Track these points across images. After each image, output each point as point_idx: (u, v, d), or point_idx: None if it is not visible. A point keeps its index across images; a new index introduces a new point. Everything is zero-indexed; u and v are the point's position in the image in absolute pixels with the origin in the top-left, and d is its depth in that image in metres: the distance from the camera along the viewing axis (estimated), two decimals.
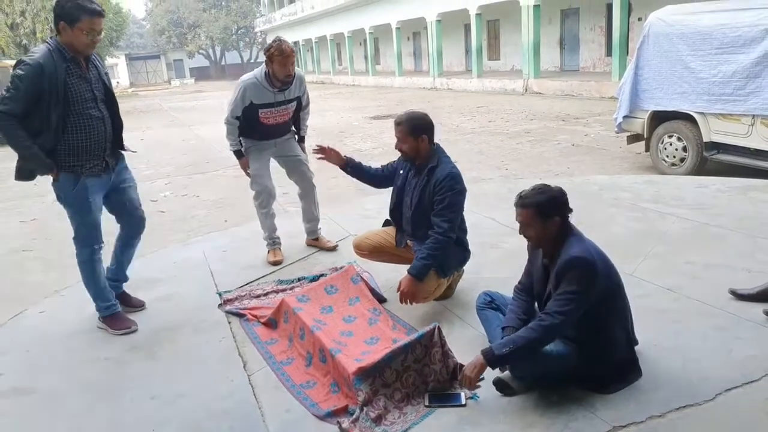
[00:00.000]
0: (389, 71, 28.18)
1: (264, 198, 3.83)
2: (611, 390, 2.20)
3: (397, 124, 2.92)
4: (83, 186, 2.87)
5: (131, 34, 52.56)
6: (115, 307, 3.12)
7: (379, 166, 3.29)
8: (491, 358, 2.12)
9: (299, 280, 3.52)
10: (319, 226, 4.11)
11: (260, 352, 2.75)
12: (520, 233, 2.29)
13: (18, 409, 2.45)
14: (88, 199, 2.89)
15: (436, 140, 3.01)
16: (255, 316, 3.07)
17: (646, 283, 3.12)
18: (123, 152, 3.12)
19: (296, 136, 3.99)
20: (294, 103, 3.79)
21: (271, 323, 2.95)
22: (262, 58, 3.69)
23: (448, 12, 20.80)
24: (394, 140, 2.99)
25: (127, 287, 3.39)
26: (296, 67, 3.67)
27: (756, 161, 5.38)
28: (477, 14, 19.24)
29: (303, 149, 3.99)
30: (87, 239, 2.97)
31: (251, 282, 3.58)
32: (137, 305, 3.31)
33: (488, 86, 18.72)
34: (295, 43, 38.54)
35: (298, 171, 3.90)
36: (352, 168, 3.24)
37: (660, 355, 2.42)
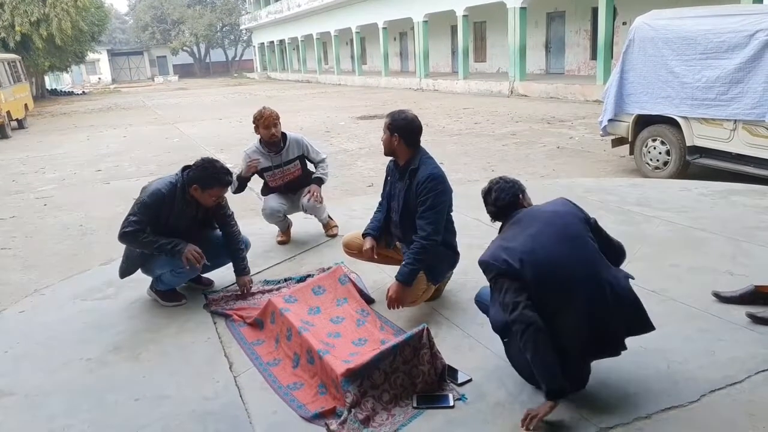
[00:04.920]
0: (376, 71, 28.13)
1: (267, 214, 4.11)
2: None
3: (386, 116, 3.03)
4: None
5: (113, 29, 51.77)
6: None
7: (378, 206, 3.27)
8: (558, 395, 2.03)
9: (286, 280, 3.50)
10: (325, 215, 4.30)
11: (246, 353, 2.72)
12: None
13: None
14: None
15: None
16: (241, 317, 3.03)
17: (633, 286, 3.14)
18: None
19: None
20: (297, 162, 4.10)
21: (257, 324, 2.91)
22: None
23: (435, 13, 20.86)
24: (380, 140, 3.04)
25: (110, 286, 3.49)
26: (292, 133, 4.07)
27: (737, 166, 5.47)
28: (464, 15, 19.30)
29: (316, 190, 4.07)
30: None
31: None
32: (207, 283, 3.53)
33: (474, 88, 18.80)
34: (281, 41, 38.31)
35: (303, 198, 4.06)
36: (378, 236, 3.17)
37: (646, 357, 2.44)
